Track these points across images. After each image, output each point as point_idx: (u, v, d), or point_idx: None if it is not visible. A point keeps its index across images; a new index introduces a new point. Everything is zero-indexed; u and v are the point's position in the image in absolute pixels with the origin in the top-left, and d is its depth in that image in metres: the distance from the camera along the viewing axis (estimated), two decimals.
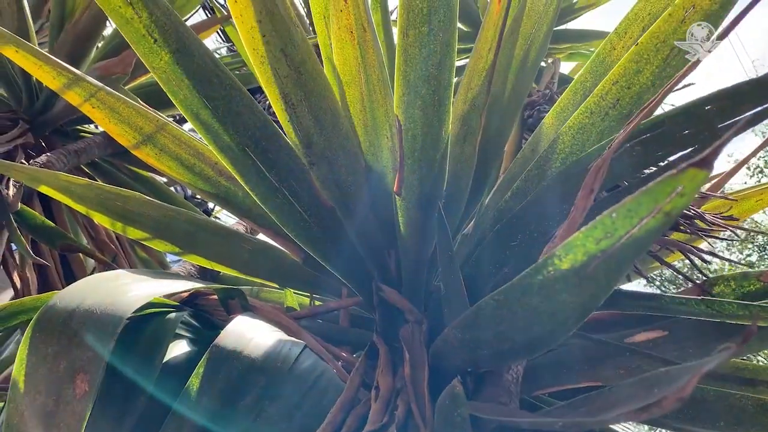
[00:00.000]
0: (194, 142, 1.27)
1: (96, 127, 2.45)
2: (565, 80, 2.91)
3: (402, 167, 1.18)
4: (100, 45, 2.33)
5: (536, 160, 1.10)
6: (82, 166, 2.29)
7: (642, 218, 0.45)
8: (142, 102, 1.50)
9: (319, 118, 1.18)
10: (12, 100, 2.31)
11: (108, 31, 2.53)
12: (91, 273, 1.91)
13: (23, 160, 2.00)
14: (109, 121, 1.21)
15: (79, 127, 2.39)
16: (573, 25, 3.22)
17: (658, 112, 1.01)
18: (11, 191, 1.70)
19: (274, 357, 0.86)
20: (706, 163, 0.41)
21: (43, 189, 1.54)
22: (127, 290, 0.80)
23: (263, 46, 1.07)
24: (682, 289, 1.37)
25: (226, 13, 2.51)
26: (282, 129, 1.20)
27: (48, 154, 2.08)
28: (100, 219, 1.52)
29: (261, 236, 1.56)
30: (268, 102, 1.91)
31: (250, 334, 0.89)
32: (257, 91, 2.47)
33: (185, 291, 1.05)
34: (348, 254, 1.31)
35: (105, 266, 1.85)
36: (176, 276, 1.07)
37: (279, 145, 1.09)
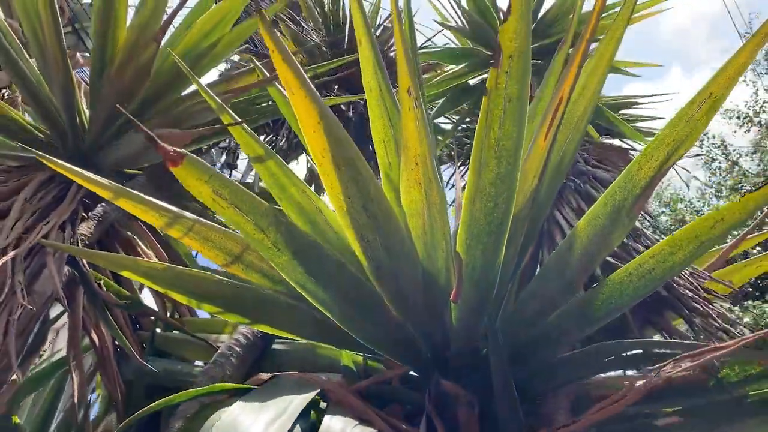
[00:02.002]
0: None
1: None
2: None
3: (460, 283, 1.38)
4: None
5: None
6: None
7: None
8: None
9: (389, 247, 1.37)
10: (57, 140, 2.43)
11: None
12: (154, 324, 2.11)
13: (83, 213, 2.17)
14: (204, 247, 1.39)
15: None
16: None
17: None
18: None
19: None
20: None
21: (125, 273, 1.73)
22: None
23: (346, 205, 1.25)
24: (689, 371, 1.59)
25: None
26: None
27: (103, 204, 2.24)
28: (177, 297, 1.72)
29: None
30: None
31: None
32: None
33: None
34: (407, 348, 1.53)
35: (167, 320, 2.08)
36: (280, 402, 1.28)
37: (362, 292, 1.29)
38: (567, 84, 1.31)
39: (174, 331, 2.17)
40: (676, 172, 3.13)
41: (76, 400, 1.85)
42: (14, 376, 1.54)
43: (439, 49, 3.25)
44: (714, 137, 10.48)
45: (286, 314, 1.73)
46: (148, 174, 2.48)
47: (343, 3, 3.98)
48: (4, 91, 3.33)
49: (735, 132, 10.44)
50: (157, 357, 2.11)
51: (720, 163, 10.05)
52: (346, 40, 3.98)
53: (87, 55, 4.50)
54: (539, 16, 2.93)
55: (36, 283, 1.69)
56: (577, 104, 1.58)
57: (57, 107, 2.41)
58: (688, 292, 1.55)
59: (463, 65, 3.05)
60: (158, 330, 2.14)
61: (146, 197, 1.32)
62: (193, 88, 2.55)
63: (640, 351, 1.32)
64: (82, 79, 4.21)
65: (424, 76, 3.80)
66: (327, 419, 1.39)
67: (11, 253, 1.50)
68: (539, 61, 3.08)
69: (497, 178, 1.15)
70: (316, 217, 1.59)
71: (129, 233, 2.37)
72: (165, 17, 2.39)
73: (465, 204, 1.22)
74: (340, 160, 1.18)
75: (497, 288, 1.47)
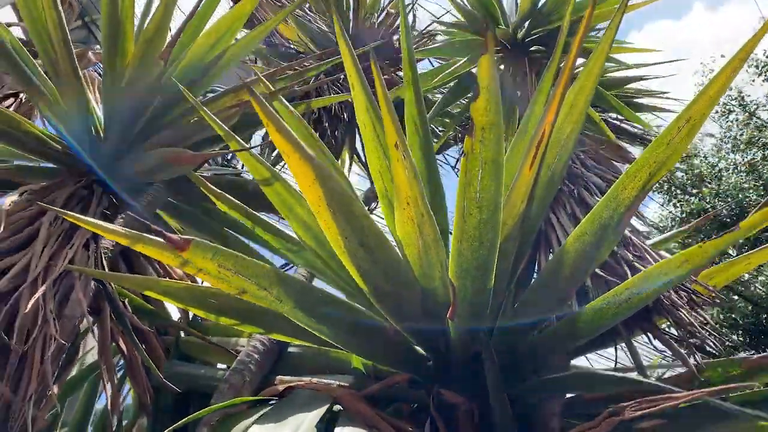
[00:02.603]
0: (298, 283, 1.58)
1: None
2: None
3: (455, 305, 1.49)
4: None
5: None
6: (158, 212, 2.57)
7: None
8: None
9: (387, 272, 1.47)
10: (74, 150, 2.54)
11: None
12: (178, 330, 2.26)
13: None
14: (218, 282, 1.51)
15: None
16: None
17: None
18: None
19: None
20: None
21: (148, 293, 1.86)
22: None
23: (344, 243, 1.35)
24: (674, 373, 1.69)
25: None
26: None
27: (122, 215, 2.37)
28: (196, 312, 1.85)
29: None
30: None
31: None
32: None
33: None
34: (409, 360, 1.65)
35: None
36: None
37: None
38: (550, 114, 1.39)
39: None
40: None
41: (109, 407, 2.01)
42: (52, 391, 1.69)
43: (438, 44, 3.29)
44: (731, 89, 10.31)
45: (297, 326, 1.86)
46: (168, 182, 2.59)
47: None
48: (10, 101, 3.41)
49: (753, 81, 10.24)
50: (182, 361, 2.26)
51: (737, 115, 9.91)
52: (351, 26, 4.01)
53: (98, 47, 4.58)
54: (539, 5, 2.95)
55: (66, 308, 1.83)
56: (564, 123, 1.65)
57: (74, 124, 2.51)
58: (674, 299, 1.64)
59: (465, 58, 3.09)
60: (182, 335, 2.28)
61: (160, 240, 1.43)
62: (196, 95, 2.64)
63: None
64: (96, 72, 4.32)
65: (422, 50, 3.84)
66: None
67: (42, 288, 1.63)
68: (542, 48, 3.11)
69: (480, 223, 1.25)
70: (321, 235, 1.70)
71: None
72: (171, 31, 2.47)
73: (453, 242, 1.32)
74: (335, 207, 1.28)
75: (491, 303, 1.58)
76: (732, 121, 10.07)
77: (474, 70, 3.16)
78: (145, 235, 1.44)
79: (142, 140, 2.51)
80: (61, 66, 2.33)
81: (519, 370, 1.69)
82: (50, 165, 2.61)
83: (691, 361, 1.61)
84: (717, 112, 10.22)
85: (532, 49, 3.13)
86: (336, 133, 3.41)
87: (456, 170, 3.66)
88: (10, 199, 1.93)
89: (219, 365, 2.25)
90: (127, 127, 2.48)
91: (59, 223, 2.10)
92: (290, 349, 2.14)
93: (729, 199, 7.19)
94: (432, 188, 2.01)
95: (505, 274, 1.65)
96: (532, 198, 1.52)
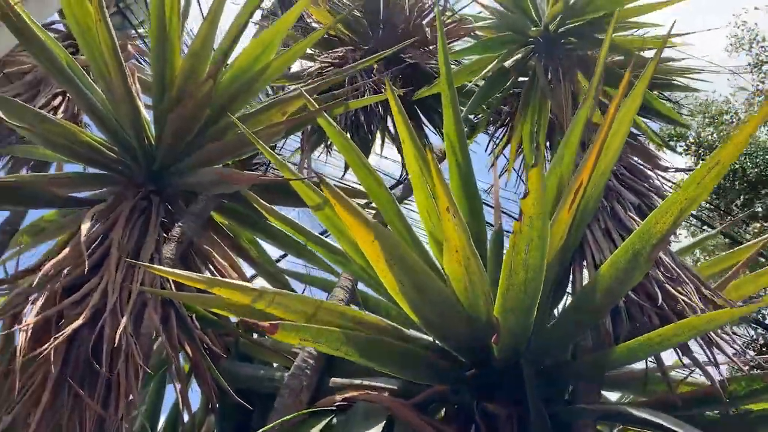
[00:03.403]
0: (349, 311, 1.74)
1: None
2: None
3: (498, 335, 1.64)
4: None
5: None
6: (212, 214, 2.73)
7: None
8: None
9: (433, 303, 1.63)
10: (128, 159, 2.70)
11: None
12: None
13: (163, 234, 2.47)
14: (286, 313, 1.67)
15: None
16: None
17: None
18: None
19: None
20: None
21: (215, 309, 2.05)
22: None
23: (399, 287, 1.51)
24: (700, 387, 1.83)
25: None
26: None
27: (179, 224, 2.53)
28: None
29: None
30: None
31: None
32: None
33: None
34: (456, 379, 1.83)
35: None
36: None
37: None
38: (586, 172, 1.50)
39: (254, 335, 2.52)
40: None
41: (181, 406, 2.22)
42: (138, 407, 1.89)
43: (470, 44, 3.33)
44: (765, 39, 10.06)
45: None
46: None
47: None
48: (59, 101, 3.55)
49: None
50: (241, 360, 2.46)
51: None
52: (381, 9, 4.05)
53: (133, 32, 4.70)
54: (571, 1, 2.97)
55: (141, 326, 2.02)
56: (601, 162, 1.75)
57: (126, 132, 2.65)
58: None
59: (498, 53, 3.15)
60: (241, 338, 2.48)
61: (235, 282, 1.60)
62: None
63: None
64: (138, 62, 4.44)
65: (457, 43, 3.89)
66: None
67: (124, 320, 1.81)
68: (574, 41, 3.15)
69: (526, 280, 1.39)
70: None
71: (206, 246, 2.67)
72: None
73: (500, 291, 1.46)
74: (391, 260, 1.43)
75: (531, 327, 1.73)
76: (766, 73, 9.88)
77: (507, 64, 3.22)
78: (220, 279, 1.60)
79: (191, 151, 2.65)
80: (117, 89, 2.46)
81: (555, 383, 1.86)
82: (106, 173, 2.78)
83: (716, 376, 1.75)
84: (749, 64, 10.01)
85: (563, 41, 3.17)
86: (371, 126, 3.51)
87: (487, 154, 3.77)
88: (84, 227, 2.09)
89: (275, 364, 2.45)
90: (177, 138, 2.62)
91: (126, 240, 2.28)
92: None
93: (758, 159, 7.17)
94: (469, 198, 2.14)
95: (545, 301, 1.79)
96: (571, 229, 1.65)
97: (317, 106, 2.34)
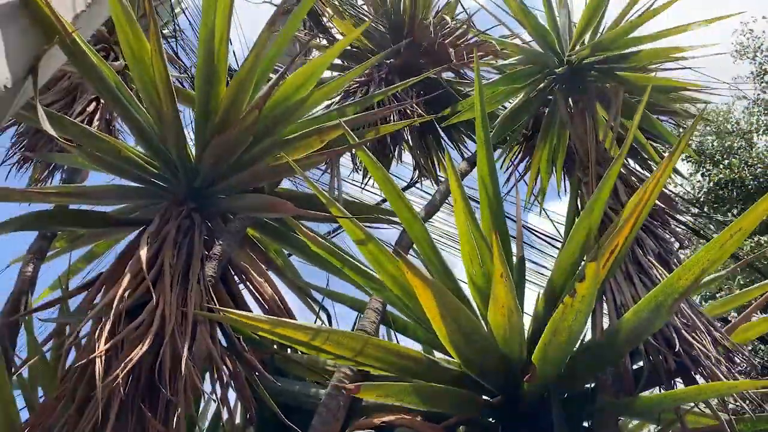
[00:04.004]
0: (392, 346, 1.90)
1: None
2: None
3: (533, 376, 1.81)
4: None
5: None
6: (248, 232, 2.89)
7: None
8: None
9: (476, 346, 1.80)
10: (170, 175, 2.83)
11: None
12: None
13: (205, 251, 2.62)
14: (338, 349, 1.84)
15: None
16: None
17: None
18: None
19: None
20: None
21: (261, 333, 2.21)
22: None
23: (448, 335, 1.67)
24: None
25: None
26: None
27: (220, 242, 2.68)
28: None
29: None
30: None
31: None
32: None
33: None
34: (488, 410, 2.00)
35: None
36: None
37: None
38: (623, 233, 1.66)
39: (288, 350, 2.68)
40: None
41: (223, 419, 2.39)
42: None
43: (497, 76, 3.46)
44: None
45: None
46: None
47: None
48: (93, 106, 3.67)
49: None
50: (277, 375, 2.63)
51: None
52: (405, 25, 4.17)
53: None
54: (596, 37, 3.11)
55: (193, 346, 2.17)
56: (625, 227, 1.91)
57: (169, 151, 2.79)
58: (711, 355, 1.95)
59: (522, 84, 3.29)
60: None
61: (298, 323, 1.76)
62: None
63: None
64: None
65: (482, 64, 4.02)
66: None
67: (185, 353, 1.96)
68: (595, 74, 3.29)
69: (567, 340, 1.56)
70: (405, 286, 2.04)
71: (243, 263, 2.82)
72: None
73: (542, 343, 1.63)
74: (446, 315, 1.60)
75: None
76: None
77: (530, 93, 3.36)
78: (282, 319, 1.76)
79: (232, 172, 2.79)
80: (166, 116, 2.58)
81: (578, 413, 2.04)
82: (148, 187, 2.92)
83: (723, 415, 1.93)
84: (752, 73, 10.16)
85: (585, 74, 3.31)
86: (397, 146, 3.66)
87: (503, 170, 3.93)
88: (143, 253, 2.23)
89: (309, 379, 2.61)
90: (220, 160, 2.75)
91: (175, 260, 2.43)
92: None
93: (757, 171, 7.33)
94: (501, 234, 2.30)
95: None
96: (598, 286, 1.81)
97: (357, 140, 2.49)
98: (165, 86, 2.50)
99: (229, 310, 1.93)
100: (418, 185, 4.58)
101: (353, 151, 3.38)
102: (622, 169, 2.69)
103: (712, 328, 2.09)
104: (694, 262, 1.79)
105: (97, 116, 3.66)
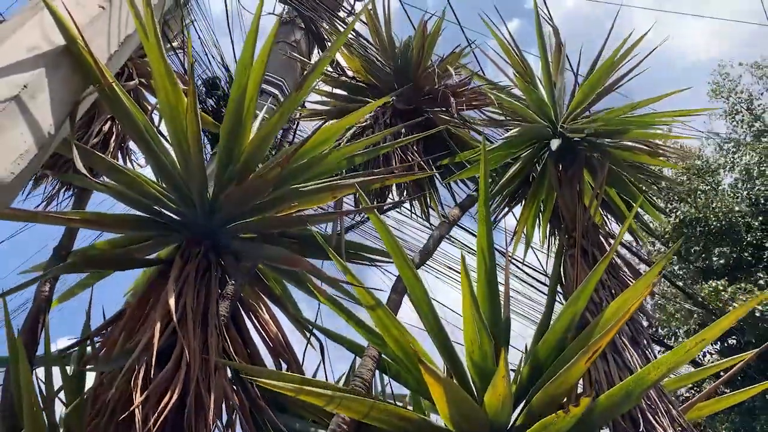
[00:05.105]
0: (393, 410, 2.16)
1: None
2: None
3: None
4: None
5: None
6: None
7: None
8: None
9: (471, 420, 2.07)
10: (186, 210, 3.03)
11: None
12: None
13: (218, 289, 2.84)
14: (348, 411, 2.09)
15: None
16: None
17: None
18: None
19: None
20: None
21: (277, 389, 2.44)
22: None
23: (450, 415, 1.93)
24: None
25: None
26: None
27: (232, 282, 2.90)
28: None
29: None
30: None
31: None
32: None
33: None
34: None
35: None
36: None
37: None
38: (609, 335, 1.95)
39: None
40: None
41: None
42: None
43: (499, 143, 3.72)
44: (742, 91, 10.70)
45: None
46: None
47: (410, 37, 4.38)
48: (108, 126, 3.83)
49: (762, 94, 10.69)
50: (278, 410, 2.86)
51: (743, 116, 10.36)
52: (411, 70, 4.40)
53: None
54: (589, 113, 3.40)
55: (212, 388, 2.40)
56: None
57: (189, 190, 2.98)
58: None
59: (516, 150, 3.58)
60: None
61: (316, 390, 2.00)
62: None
63: None
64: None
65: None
66: None
67: (212, 402, 2.19)
68: (586, 145, 3.58)
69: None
70: (408, 348, 2.30)
71: (251, 300, 3.05)
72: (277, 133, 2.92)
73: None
74: (450, 402, 1.86)
75: None
76: (738, 122, 10.54)
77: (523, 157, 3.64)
78: (306, 387, 2.00)
79: (249, 216, 3.00)
80: (193, 161, 2.78)
81: None
82: (164, 221, 3.11)
83: None
84: (725, 111, 10.65)
85: (575, 144, 3.59)
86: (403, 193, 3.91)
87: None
88: (171, 302, 2.44)
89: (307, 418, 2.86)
90: (239, 204, 2.96)
91: (195, 302, 2.64)
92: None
93: (720, 213, 7.76)
94: (491, 296, 2.57)
95: None
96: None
97: (370, 204, 2.73)
98: (195, 136, 2.69)
99: (255, 367, 2.15)
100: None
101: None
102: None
103: (671, 407, 2.40)
104: (663, 361, 2.08)
105: (113, 138, 3.82)
